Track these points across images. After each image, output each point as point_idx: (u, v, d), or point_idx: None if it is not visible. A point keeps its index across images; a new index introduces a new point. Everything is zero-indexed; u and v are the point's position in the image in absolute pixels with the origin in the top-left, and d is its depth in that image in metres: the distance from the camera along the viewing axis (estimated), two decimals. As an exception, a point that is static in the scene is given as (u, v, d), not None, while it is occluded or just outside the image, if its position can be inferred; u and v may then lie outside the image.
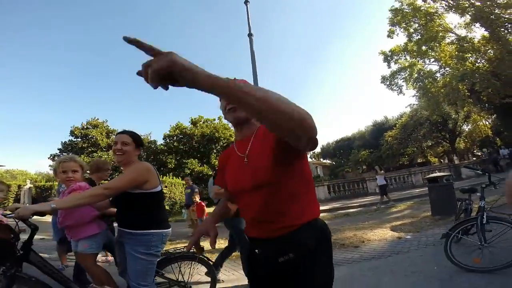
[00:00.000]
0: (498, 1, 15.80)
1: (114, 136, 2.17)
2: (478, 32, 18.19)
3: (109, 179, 3.14)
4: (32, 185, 17.65)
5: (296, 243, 1.04)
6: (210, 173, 21.30)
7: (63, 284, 1.95)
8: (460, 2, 17.06)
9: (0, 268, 1.71)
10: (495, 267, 2.75)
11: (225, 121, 25.31)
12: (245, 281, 1.28)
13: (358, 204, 11.33)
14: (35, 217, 1.66)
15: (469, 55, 17.86)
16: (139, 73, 0.64)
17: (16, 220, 1.74)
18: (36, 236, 1.89)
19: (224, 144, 24.17)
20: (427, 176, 7.31)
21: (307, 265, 1.05)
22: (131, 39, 0.61)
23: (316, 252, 1.06)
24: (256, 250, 1.13)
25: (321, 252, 1.08)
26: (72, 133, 27.21)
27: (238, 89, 0.66)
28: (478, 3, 16.45)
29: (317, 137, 0.79)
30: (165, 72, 0.61)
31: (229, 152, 1.29)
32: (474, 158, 24.55)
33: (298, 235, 1.04)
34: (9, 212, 1.73)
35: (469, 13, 16.93)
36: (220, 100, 1.19)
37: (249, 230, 1.15)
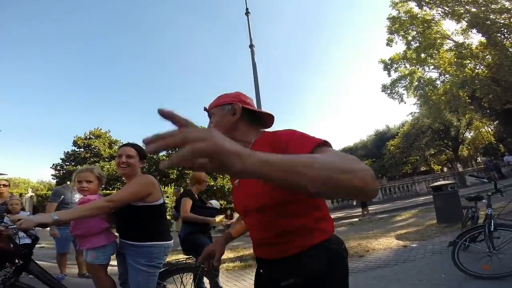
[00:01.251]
0: (492, 7, 15.96)
1: (117, 148, 2.15)
2: (475, 38, 18.30)
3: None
4: (33, 194, 17.75)
5: (301, 267, 0.91)
6: (212, 183, 21.18)
7: None
8: (456, 9, 17.24)
9: None
10: (505, 274, 2.70)
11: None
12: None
13: (361, 213, 11.17)
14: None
15: (468, 61, 17.88)
16: (146, 142, 0.45)
17: (15, 230, 1.75)
18: (36, 245, 1.89)
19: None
20: (432, 185, 7.25)
21: None
22: (165, 112, 0.48)
23: (327, 277, 0.91)
24: (261, 270, 1.08)
25: (333, 276, 0.93)
26: (75, 143, 27.42)
27: (300, 166, 0.53)
28: (473, 9, 16.64)
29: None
30: (207, 156, 0.45)
31: None
32: (480, 166, 24.31)
33: (304, 258, 0.91)
34: (11, 223, 1.73)
35: (465, 19, 17.07)
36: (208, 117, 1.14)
37: (254, 249, 1.09)
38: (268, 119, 1.14)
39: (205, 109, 1.13)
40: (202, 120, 1.19)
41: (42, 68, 76.23)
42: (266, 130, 1.13)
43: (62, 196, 4.03)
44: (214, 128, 0.99)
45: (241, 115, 1.06)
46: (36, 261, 1.93)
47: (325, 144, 0.80)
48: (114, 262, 2.15)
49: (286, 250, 0.93)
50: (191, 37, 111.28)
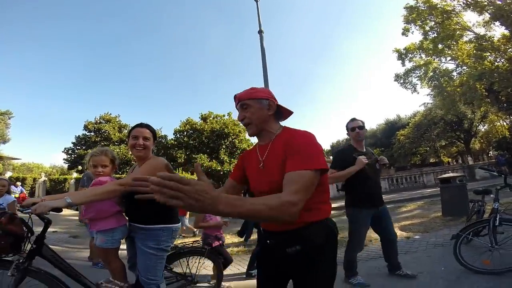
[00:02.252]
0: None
1: (131, 129, 2.04)
2: (498, 31, 17.51)
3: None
4: (46, 178, 18.20)
5: (304, 237, 1.13)
6: (219, 168, 21.43)
7: (74, 278, 1.94)
8: (479, 0, 16.42)
9: (13, 261, 1.72)
10: (504, 269, 2.70)
11: (234, 118, 25.53)
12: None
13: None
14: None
15: (488, 54, 17.20)
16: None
17: (30, 214, 1.72)
18: (49, 229, 1.88)
19: (233, 140, 24.25)
20: (440, 176, 7.18)
21: (315, 259, 1.14)
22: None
23: (324, 248, 1.15)
24: (268, 241, 1.25)
25: (328, 249, 1.17)
26: (85, 127, 27.90)
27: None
28: (498, 1, 15.81)
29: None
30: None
31: (251, 152, 1.37)
32: (492, 160, 23.70)
33: (306, 232, 1.12)
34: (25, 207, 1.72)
35: (488, 12, 16.31)
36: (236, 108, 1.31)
37: (263, 223, 1.30)
38: (287, 113, 1.33)
39: (235, 97, 1.29)
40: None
41: (55, 53, 76.93)
42: (285, 124, 1.32)
43: (92, 180, 4.10)
44: (250, 117, 1.23)
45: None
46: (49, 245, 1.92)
47: (319, 170, 1.06)
48: (123, 246, 2.17)
49: (292, 225, 1.11)
50: (203, 24, 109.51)
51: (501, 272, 2.70)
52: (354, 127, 2.91)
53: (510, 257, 2.74)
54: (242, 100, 1.26)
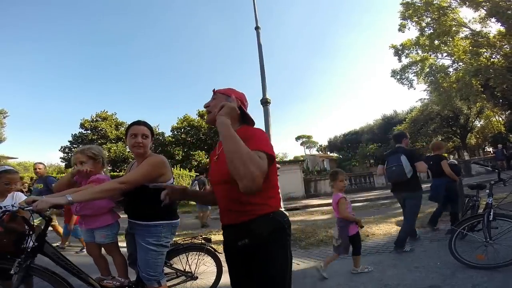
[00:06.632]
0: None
1: (129, 127, 2.07)
2: (494, 27, 17.61)
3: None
4: (43, 177, 17.92)
5: (251, 230, 1.18)
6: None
7: (76, 275, 1.94)
8: None
9: (16, 259, 1.70)
10: (498, 264, 2.74)
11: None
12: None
13: (364, 198, 11.24)
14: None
15: (484, 50, 17.31)
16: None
17: (31, 212, 1.70)
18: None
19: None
20: (436, 172, 7.19)
21: (262, 251, 1.18)
22: None
23: (270, 241, 1.19)
24: (224, 234, 1.35)
25: (274, 241, 1.20)
26: (82, 125, 27.67)
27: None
28: None
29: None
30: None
31: (216, 148, 1.47)
32: (487, 156, 23.91)
33: (254, 224, 1.18)
34: (26, 205, 1.68)
35: (484, 8, 16.37)
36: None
37: (221, 217, 1.36)
38: (251, 123, 1.44)
39: (213, 89, 1.45)
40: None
41: (51, 51, 75.92)
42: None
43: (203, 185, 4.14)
44: (212, 106, 1.37)
45: None
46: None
47: (270, 156, 1.13)
48: (122, 243, 2.21)
49: (241, 217, 1.19)
50: (200, 21, 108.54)
51: (496, 267, 2.74)
52: None
53: (504, 252, 2.78)
54: (216, 93, 1.42)
